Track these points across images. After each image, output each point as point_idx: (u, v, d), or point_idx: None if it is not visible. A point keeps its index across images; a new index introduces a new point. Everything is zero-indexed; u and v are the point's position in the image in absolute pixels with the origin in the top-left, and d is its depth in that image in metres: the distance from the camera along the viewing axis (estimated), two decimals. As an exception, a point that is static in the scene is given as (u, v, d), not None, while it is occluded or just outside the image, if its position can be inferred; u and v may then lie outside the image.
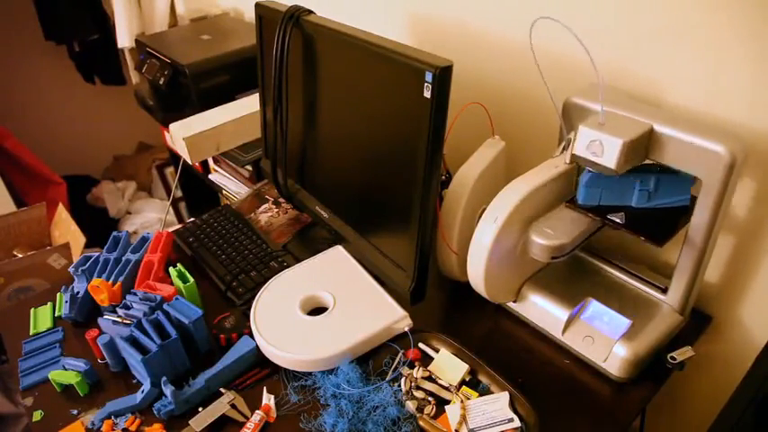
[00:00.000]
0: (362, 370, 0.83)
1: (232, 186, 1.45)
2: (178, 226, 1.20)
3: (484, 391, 0.81)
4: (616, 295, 0.90)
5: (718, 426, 0.67)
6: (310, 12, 0.94)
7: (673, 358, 0.82)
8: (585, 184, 0.82)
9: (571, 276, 0.95)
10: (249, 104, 1.34)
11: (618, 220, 0.81)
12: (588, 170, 0.81)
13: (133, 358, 0.82)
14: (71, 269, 1.01)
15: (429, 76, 0.70)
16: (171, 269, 0.97)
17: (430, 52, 0.73)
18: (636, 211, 0.82)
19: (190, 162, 1.28)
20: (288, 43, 0.94)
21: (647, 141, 0.75)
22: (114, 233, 1.07)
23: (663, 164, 0.78)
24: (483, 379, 0.82)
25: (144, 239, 1.06)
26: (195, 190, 2.05)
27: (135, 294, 0.92)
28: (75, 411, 0.83)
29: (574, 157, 0.78)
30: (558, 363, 0.88)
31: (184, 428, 0.78)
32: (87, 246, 1.75)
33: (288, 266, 1.03)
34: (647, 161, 0.79)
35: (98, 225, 2.27)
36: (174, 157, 2.02)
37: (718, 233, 0.79)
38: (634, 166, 0.77)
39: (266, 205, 1.25)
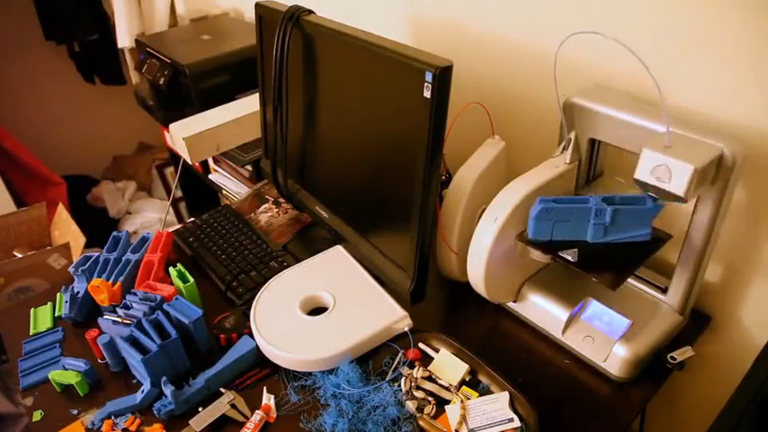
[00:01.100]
0: (362, 370, 0.83)
1: (232, 186, 1.45)
2: (178, 226, 1.20)
3: (484, 391, 0.81)
4: (616, 295, 0.90)
5: (718, 426, 0.67)
6: (310, 12, 0.94)
7: (673, 358, 0.82)
8: (535, 217, 0.78)
9: (571, 276, 0.95)
10: (249, 104, 1.34)
11: (569, 258, 0.76)
12: (538, 202, 0.78)
13: (133, 358, 0.82)
14: (71, 269, 1.01)
15: (429, 76, 0.70)
16: (171, 269, 0.97)
17: (430, 52, 0.73)
18: (592, 247, 0.77)
19: (190, 162, 1.28)
20: (288, 43, 0.94)
21: (717, 166, 0.70)
22: (114, 233, 1.07)
23: (622, 194, 0.75)
24: (483, 379, 0.82)
25: (144, 239, 1.06)
26: (195, 190, 2.05)
27: (135, 294, 0.92)
28: (75, 411, 0.83)
29: (636, 183, 0.72)
30: (558, 363, 0.88)
31: (184, 428, 0.78)
32: (87, 246, 1.75)
33: (288, 266, 1.02)
34: (614, 190, 0.75)
35: (98, 225, 2.27)
36: (174, 157, 2.02)
37: (718, 233, 0.79)
38: (702, 191, 0.72)
39: (266, 205, 1.25)
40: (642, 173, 0.70)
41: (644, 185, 0.71)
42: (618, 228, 0.77)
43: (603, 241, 0.78)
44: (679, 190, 0.68)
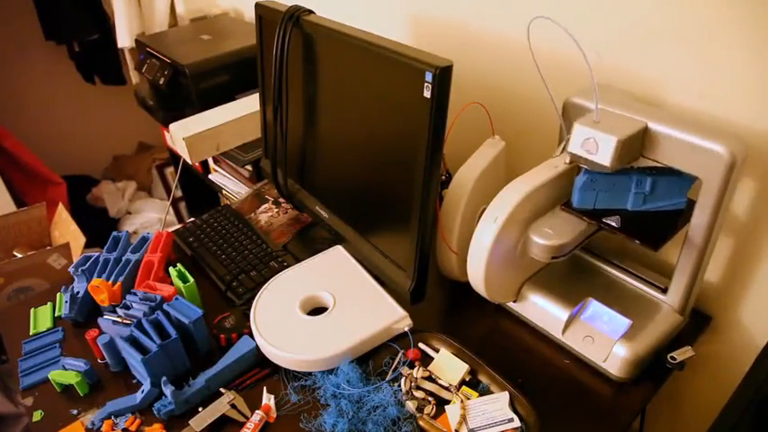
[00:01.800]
0: (362, 370, 0.83)
1: (232, 186, 1.45)
2: (178, 226, 1.20)
3: (484, 391, 0.81)
4: (616, 295, 0.90)
5: (719, 425, 0.67)
6: (310, 12, 0.94)
7: (673, 358, 0.82)
8: (580, 187, 0.82)
9: (571, 276, 0.95)
10: (249, 104, 1.34)
11: (613, 224, 0.80)
12: (584, 172, 0.81)
13: (133, 358, 0.82)
14: (71, 269, 1.01)
15: (429, 76, 0.70)
16: (171, 269, 0.97)
17: (430, 52, 0.73)
18: (632, 215, 0.82)
19: (190, 162, 1.28)
20: (288, 43, 0.94)
21: (641, 139, 0.76)
22: (114, 233, 1.07)
23: (660, 165, 0.78)
24: (483, 379, 0.82)
25: (144, 239, 1.06)
26: (195, 190, 2.05)
27: (135, 294, 0.92)
28: (75, 411, 0.83)
29: (569, 155, 0.78)
30: (558, 363, 0.88)
31: (184, 428, 0.78)
32: (87, 246, 1.75)
33: (288, 266, 1.02)
34: (649, 162, 0.79)
35: (98, 225, 2.27)
36: (174, 157, 2.02)
37: (718, 233, 0.79)
38: (629, 163, 0.77)
39: (266, 205, 1.25)
40: (574, 146, 0.77)
41: (576, 158, 0.77)
42: (656, 197, 0.81)
43: (643, 209, 0.82)
44: (605, 160, 0.73)
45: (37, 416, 0.83)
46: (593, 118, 0.76)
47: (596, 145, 0.74)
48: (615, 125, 0.74)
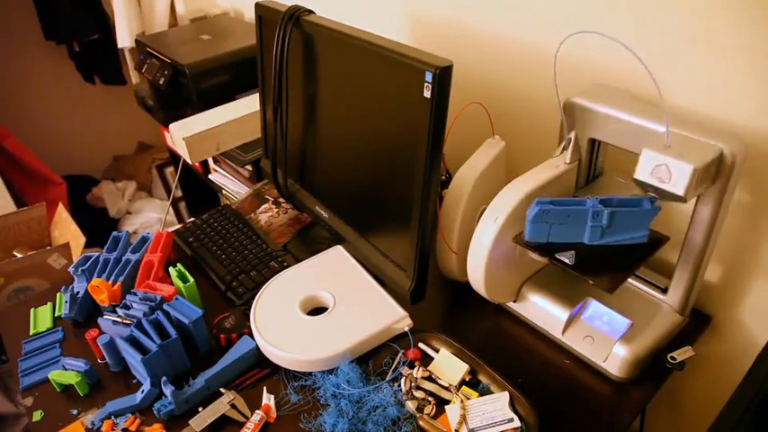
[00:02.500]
0: (362, 370, 0.83)
1: (232, 186, 1.45)
2: (178, 226, 1.20)
3: (484, 391, 0.81)
4: (616, 295, 0.90)
5: (718, 426, 0.67)
6: (310, 12, 0.94)
7: (673, 358, 0.82)
8: (532, 219, 0.77)
9: (571, 276, 0.94)
10: (249, 104, 1.34)
11: (566, 261, 0.76)
12: (535, 203, 0.78)
13: (133, 358, 0.82)
14: (71, 269, 1.01)
15: (429, 76, 0.70)
16: (171, 269, 0.97)
17: (430, 52, 0.73)
18: (589, 249, 0.77)
19: (190, 162, 1.28)
20: (288, 43, 0.94)
21: (717, 166, 0.71)
22: (114, 233, 1.07)
23: (618, 196, 0.75)
24: (483, 379, 0.82)
25: (144, 239, 1.06)
26: (195, 190, 2.05)
27: (135, 294, 0.92)
28: (75, 411, 0.83)
29: (636, 183, 0.72)
30: (558, 363, 0.88)
31: (184, 428, 0.78)
32: (87, 246, 1.75)
33: (288, 266, 1.02)
34: (606, 190, 0.75)
35: (98, 225, 2.27)
36: (174, 157, 2.02)
37: (718, 233, 0.79)
38: (702, 192, 0.72)
39: (266, 205, 1.25)
40: (642, 173, 0.70)
41: (644, 185, 0.71)
42: (615, 230, 0.77)
43: (601, 243, 0.78)
44: (679, 190, 0.68)
45: (37, 416, 0.83)
46: (664, 142, 0.70)
47: (669, 173, 0.67)
48: (689, 150, 0.68)
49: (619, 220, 0.76)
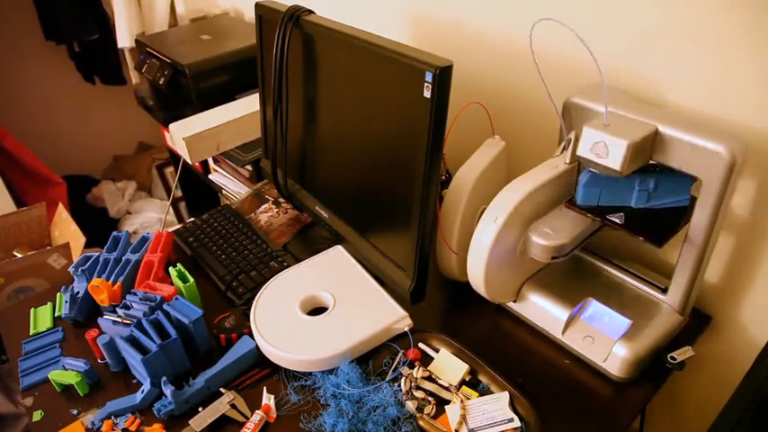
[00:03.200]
0: (362, 370, 0.83)
1: (232, 186, 1.45)
2: (178, 226, 1.20)
3: (484, 391, 0.81)
4: (616, 295, 0.90)
5: (719, 425, 0.67)
6: (310, 12, 0.94)
7: (673, 358, 0.82)
8: (585, 184, 0.82)
9: (571, 276, 0.95)
10: (249, 104, 1.34)
11: (617, 221, 0.80)
12: (588, 170, 0.81)
13: (133, 358, 0.82)
14: (71, 269, 1.01)
15: (429, 76, 0.70)
16: (171, 269, 0.97)
17: (430, 52, 0.73)
18: (635, 212, 0.82)
19: (190, 162, 1.28)
20: (288, 43, 0.94)
21: (651, 143, 0.75)
22: (114, 233, 1.07)
23: (663, 164, 0.78)
24: (483, 379, 0.82)
25: (144, 239, 1.06)
26: (195, 190, 2.05)
27: (135, 294, 0.92)
28: (75, 411, 0.83)
29: (577, 158, 0.78)
30: (558, 363, 0.88)
31: (184, 428, 0.78)
32: (87, 246, 1.75)
33: (288, 266, 1.03)
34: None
35: (98, 225, 2.27)
36: (174, 157, 2.02)
37: (718, 233, 0.79)
38: (639, 167, 0.76)
39: (266, 205, 1.25)
40: (583, 149, 0.75)
41: (586, 161, 0.76)
42: (660, 194, 0.81)
43: (647, 206, 0.82)
44: (615, 164, 0.72)
45: (37, 416, 0.83)
46: (603, 121, 0.75)
47: (606, 149, 0.72)
48: (626, 128, 0.73)
49: (663, 185, 0.80)
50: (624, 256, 0.95)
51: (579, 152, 0.76)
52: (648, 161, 0.77)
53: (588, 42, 0.92)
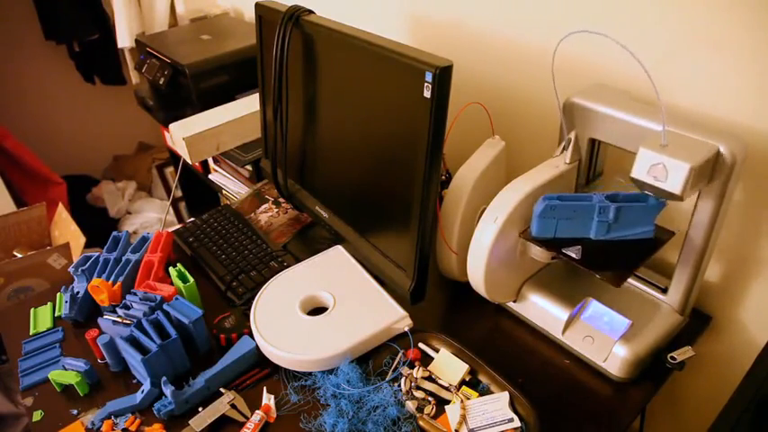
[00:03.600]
0: (362, 370, 0.83)
1: (232, 186, 1.45)
2: (178, 226, 1.20)
3: (484, 391, 0.81)
4: (616, 295, 0.90)
5: (719, 425, 0.67)
6: (310, 12, 0.94)
7: (673, 358, 0.82)
8: (539, 214, 0.78)
9: (571, 276, 0.95)
10: (249, 104, 1.34)
11: (573, 255, 0.76)
12: (542, 199, 0.78)
13: (133, 358, 0.82)
14: (71, 269, 1.01)
15: (429, 76, 0.70)
16: (171, 269, 0.97)
17: (430, 52, 0.73)
18: (595, 244, 0.78)
19: (190, 162, 1.28)
20: (288, 43, 0.94)
21: (713, 164, 0.71)
22: (114, 233, 1.07)
23: (624, 192, 0.76)
24: (483, 379, 0.82)
25: (144, 239, 1.06)
26: (195, 190, 2.05)
27: (135, 294, 0.92)
28: (75, 411, 0.83)
29: (633, 181, 0.72)
30: (558, 363, 0.88)
31: (184, 428, 0.78)
32: (87, 246, 1.75)
33: (288, 266, 1.03)
34: (613, 186, 0.75)
35: (98, 225, 2.26)
36: (174, 157, 2.02)
37: (718, 233, 0.79)
38: (699, 189, 0.73)
39: (266, 205, 1.25)
40: (639, 172, 0.71)
41: (641, 184, 0.72)
42: (621, 225, 0.77)
43: (607, 238, 0.78)
44: (676, 188, 0.68)
45: (37, 416, 0.83)
46: (660, 141, 0.70)
47: (666, 172, 0.68)
48: (686, 149, 0.68)
49: (625, 216, 0.77)
50: (624, 256, 0.95)
51: (635, 174, 0.71)
52: (708, 184, 0.73)
53: (588, 42, 0.92)
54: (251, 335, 0.89)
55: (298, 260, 1.04)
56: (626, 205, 0.76)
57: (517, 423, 0.75)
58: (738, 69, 0.78)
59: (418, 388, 0.81)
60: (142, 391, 0.82)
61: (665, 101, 0.88)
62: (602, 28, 0.90)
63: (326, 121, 0.96)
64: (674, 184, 0.68)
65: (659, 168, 0.68)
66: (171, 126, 1.28)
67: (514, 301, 0.95)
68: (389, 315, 0.88)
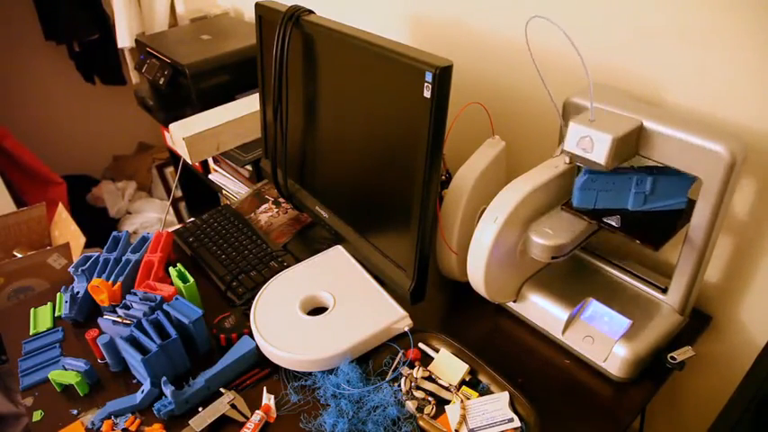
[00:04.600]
0: (362, 370, 0.83)
1: (232, 186, 1.45)
2: (178, 226, 1.20)
3: (484, 391, 0.81)
4: (616, 295, 0.90)
5: (718, 426, 0.67)
6: (310, 12, 0.94)
7: (673, 358, 0.82)
8: (580, 187, 0.82)
9: (571, 276, 0.95)
10: (249, 104, 1.34)
11: (613, 224, 0.81)
12: (584, 171, 0.81)
13: (133, 358, 0.82)
14: (71, 269, 1.01)
15: (429, 76, 0.70)
16: (171, 269, 0.97)
17: (430, 52, 0.73)
18: (632, 214, 0.82)
19: (190, 162, 1.28)
20: (288, 43, 0.94)
21: (637, 137, 0.76)
22: (114, 233, 1.07)
23: (661, 165, 0.78)
24: (483, 379, 0.82)
25: (144, 239, 1.06)
26: (195, 190, 2.05)
27: (135, 294, 0.92)
28: (75, 411, 0.83)
29: (565, 153, 0.78)
30: (558, 363, 0.88)
31: (184, 428, 0.78)
32: (87, 246, 1.75)
33: (288, 266, 1.03)
34: (650, 162, 0.78)
35: (98, 225, 2.26)
36: (174, 157, 2.02)
37: (718, 233, 0.79)
38: (624, 161, 0.77)
39: (266, 205, 1.25)
40: (570, 144, 0.76)
41: (571, 155, 0.77)
42: (657, 196, 0.82)
43: (643, 209, 0.82)
44: (601, 158, 0.73)
45: (37, 416, 0.83)
46: (589, 117, 0.76)
47: (592, 143, 0.74)
48: (611, 123, 0.74)
49: (660, 187, 0.81)
50: (624, 256, 0.95)
51: (566, 146, 0.77)
52: (634, 156, 0.78)
53: (587, 42, 0.92)
54: (251, 335, 0.89)
55: (298, 260, 1.04)
56: (662, 177, 0.80)
57: (517, 423, 0.75)
58: (738, 69, 0.78)
59: (418, 388, 0.81)
60: (142, 391, 0.82)
61: (665, 100, 0.88)
62: (602, 27, 0.90)
63: (326, 121, 0.96)
64: (599, 154, 0.73)
65: (587, 141, 0.74)
66: (171, 126, 1.28)
67: (514, 301, 0.95)
68: (389, 315, 0.88)
